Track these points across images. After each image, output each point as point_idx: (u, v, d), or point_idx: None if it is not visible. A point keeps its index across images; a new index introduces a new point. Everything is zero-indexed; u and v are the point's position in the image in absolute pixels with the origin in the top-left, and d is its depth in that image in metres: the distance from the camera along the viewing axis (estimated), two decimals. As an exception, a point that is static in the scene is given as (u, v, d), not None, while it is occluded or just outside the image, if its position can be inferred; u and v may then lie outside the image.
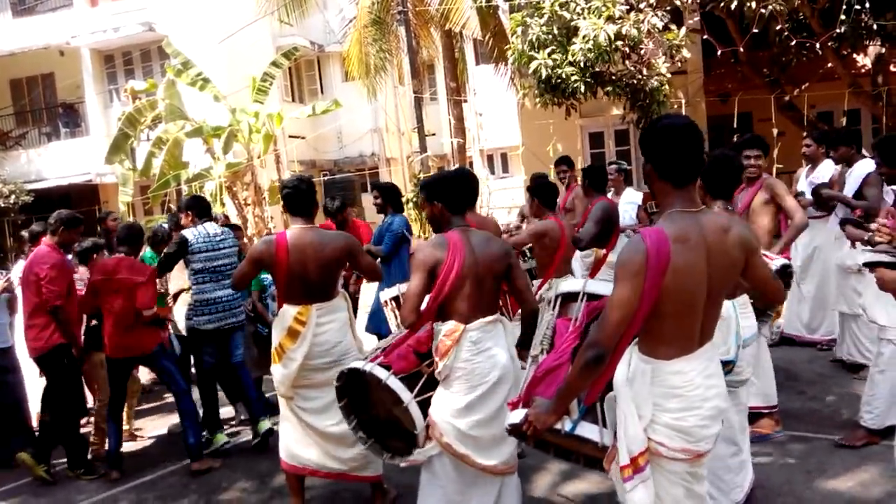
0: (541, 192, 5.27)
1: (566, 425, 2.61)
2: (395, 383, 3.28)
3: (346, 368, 3.49)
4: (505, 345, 3.36)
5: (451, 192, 3.43)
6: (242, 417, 6.10)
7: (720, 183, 3.68)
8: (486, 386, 3.24)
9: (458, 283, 3.23)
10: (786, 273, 4.29)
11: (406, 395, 3.28)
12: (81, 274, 5.86)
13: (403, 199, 11.61)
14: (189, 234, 5.43)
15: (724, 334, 3.70)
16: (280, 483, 4.77)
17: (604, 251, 6.16)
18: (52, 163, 18.76)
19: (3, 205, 16.55)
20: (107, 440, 5.39)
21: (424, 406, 3.34)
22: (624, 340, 2.44)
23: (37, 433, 5.73)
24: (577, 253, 6.26)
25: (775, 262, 4.13)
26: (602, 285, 3.14)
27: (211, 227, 5.52)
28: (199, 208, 5.64)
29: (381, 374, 3.30)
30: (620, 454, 2.46)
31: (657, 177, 2.48)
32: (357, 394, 3.54)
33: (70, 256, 6.15)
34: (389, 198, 6.67)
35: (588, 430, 2.63)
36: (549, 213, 5.21)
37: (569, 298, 3.16)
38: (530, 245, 5.36)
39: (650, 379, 2.44)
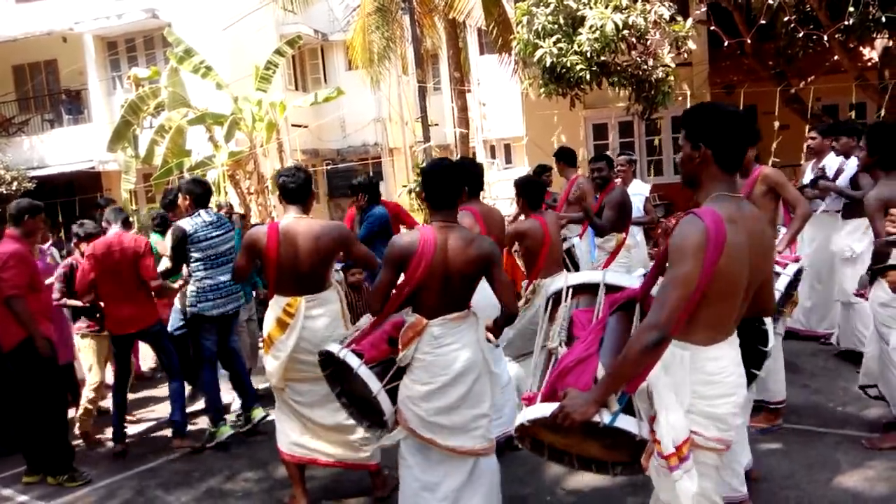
0: (527, 191, 5.25)
1: (605, 418, 2.48)
2: (364, 372, 3.32)
3: (323, 350, 3.54)
4: (472, 340, 3.37)
5: (431, 186, 3.41)
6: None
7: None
8: (445, 377, 3.27)
9: (423, 279, 3.26)
10: (797, 278, 4.23)
11: (375, 385, 3.32)
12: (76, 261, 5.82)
13: (406, 189, 11.58)
14: (186, 224, 5.37)
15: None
16: (282, 472, 4.77)
17: (623, 235, 6.19)
18: (55, 150, 18.71)
19: (5, 191, 16.49)
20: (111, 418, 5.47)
21: (396, 392, 3.38)
22: (678, 324, 2.38)
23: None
24: (597, 239, 6.31)
25: (788, 269, 4.08)
26: (621, 277, 3.12)
27: (206, 215, 5.46)
28: (198, 196, 5.48)
29: (354, 362, 3.34)
30: (664, 444, 2.40)
31: (714, 161, 2.47)
32: (338, 368, 3.56)
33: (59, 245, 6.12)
34: (373, 194, 6.84)
35: (627, 423, 2.52)
36: (532, 212, 5.18)
37: (580, 290, 3.09)
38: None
39: (688, 366, 2.43)
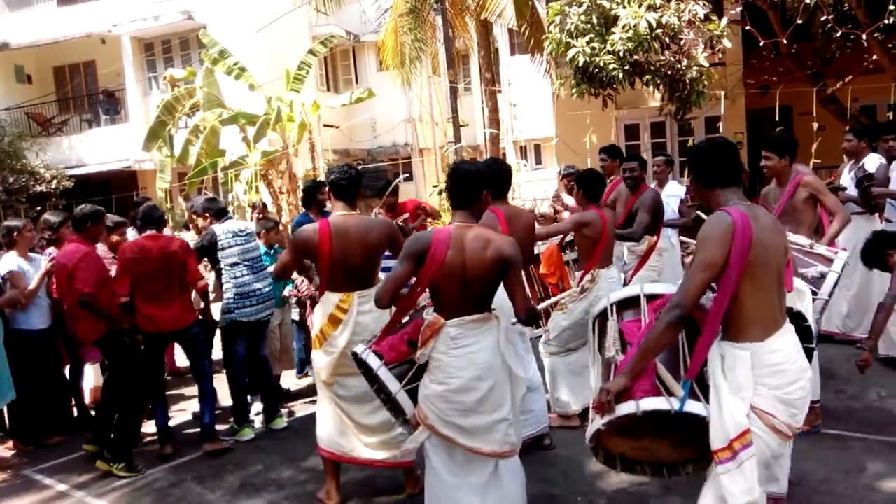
0: (585, 182, 5.23)
1: (675, 405, 2.66)
2: (384, 374, 3.36)
3: (352, 350, 3.61)
4: (491, 344, 3.31)
5: (451, 186, 3.43)
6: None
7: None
8: (459, 380, 3.25)
9: (436, 278, 3.27)
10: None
11: (394, 386, 3.35)
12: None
13: (437, 189, 11.60)
14: (217, 229, 5.54)
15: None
16: (313, 466, 4.85)
17: (655, 238, 6.15)
18: (93, 149, 19.10)
19: (44, 189, 16.89)
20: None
21: (416, 392, 3.39)
22: (714, 317, 2.61)
23: (91, 412, 5.97)
24: (627, 242, 6.25)
25: (839, 256, 4.31)
26: (658, 286, 3.25)
27: (235, 224, 5.68)
28: (217, 210, 5.76)
29: (374, 363, 3.38)
30: (715, 439, 2.58)
31: (704, 188, 2.79)
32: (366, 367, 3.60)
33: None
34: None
35: (695, 408, 2.68)
36: (592, 204, 5.18)
37: (623, 306, 3.22)
38: (572, 236, 5.40)
39: (749, 363, 2.58)
